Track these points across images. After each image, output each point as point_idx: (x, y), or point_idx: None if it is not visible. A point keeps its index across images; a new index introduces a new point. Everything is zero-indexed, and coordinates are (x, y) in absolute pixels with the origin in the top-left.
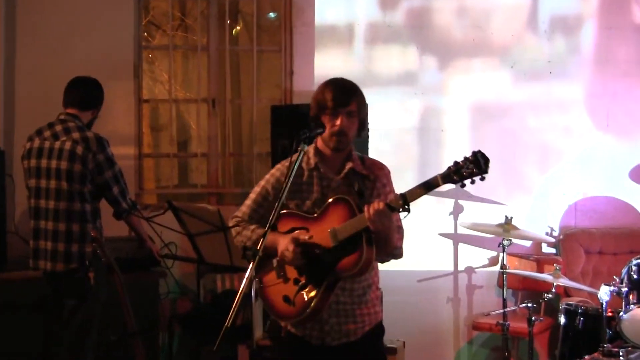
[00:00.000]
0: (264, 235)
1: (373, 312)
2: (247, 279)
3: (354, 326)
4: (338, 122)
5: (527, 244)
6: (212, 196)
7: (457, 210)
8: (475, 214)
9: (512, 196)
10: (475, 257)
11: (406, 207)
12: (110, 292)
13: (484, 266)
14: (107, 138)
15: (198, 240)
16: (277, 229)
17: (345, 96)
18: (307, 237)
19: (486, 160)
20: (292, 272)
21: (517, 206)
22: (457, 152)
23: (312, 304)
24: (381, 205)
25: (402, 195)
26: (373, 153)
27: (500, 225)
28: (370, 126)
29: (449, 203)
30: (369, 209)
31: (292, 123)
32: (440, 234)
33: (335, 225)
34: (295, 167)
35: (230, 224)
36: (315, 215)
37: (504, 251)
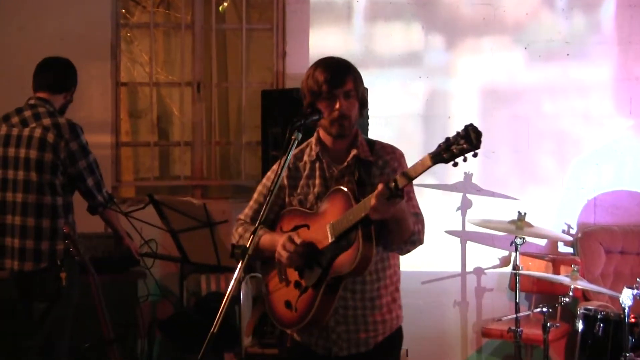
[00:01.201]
0: (253, 232)
1: (389, 319)
2: (235, 280)
3: (365, 335)
4: (337, 105)
5: (542, 242)
6: (196, 189)
7: (465, 206)
8: (485, 209)
9: (525, 190)
10: (485, 256)
11: (399, 192)
12: (84, 294)
13: (494, 267)
14: (81, 125)
15: (181, 238)
16: (280, 229)
17: (339, 75)
18: (304, 234)
19: (478, 134)
20: (292, 275)
21: (531, 201)
22: None
23: (313, 310)
24: (380, 187)
25: (395, 181)
26: None
27: (512, 221)
28: (370, 112)
29: (457, 197)
30: (372, 197)
31: (284, 109)
32: (447, 232)
33: (334, 219)
34: (288, 158)
35: (235, 227)
36: (316, 210)
37: (516, 250)
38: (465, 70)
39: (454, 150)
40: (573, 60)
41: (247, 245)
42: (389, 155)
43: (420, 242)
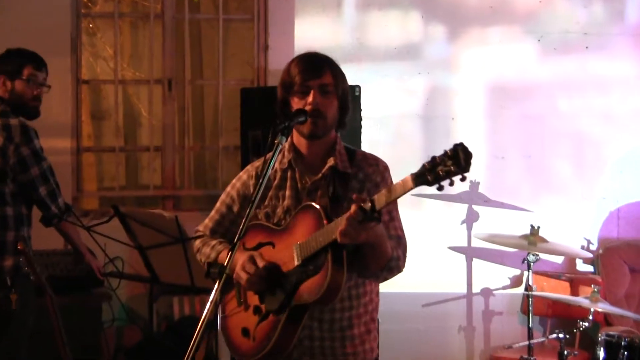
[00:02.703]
0: (232, 249)
1: (361, 351)
2: (211, 302)
3: None
4: (310, 99)
5: (558, 260)
6: (167, 200)
7: (471, 218)
8: (494, 222)
9: (539, 200)
10: (493, 276)
11: (375, 215)
12: (40, 318)
13: (504, 287)
14: (36, 127)
15: (151, 255)
16: (243, 245)
17: (315, 66)
18: (268, 254)
19: (468, 155)
20: (252, 299)
21: (545, 213)
22: (471, 144)
23: (273, 340)
24: (353, 209)
25: (371, 201)
26: (366, 146)
27: (524, 236)
28: (362, 113)
29: (461, 209)
30: (343, 219)
31: (266, 109)
32: (450, 248)
33: (302, 239)
34: (271, 165)
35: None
36: (282, 227)
37: (529, 269)
38: (470, 65)
39: (440, 172)
40: (592, 53)
41: (225, 264)
42: (371, 167)
43: (399, 269)
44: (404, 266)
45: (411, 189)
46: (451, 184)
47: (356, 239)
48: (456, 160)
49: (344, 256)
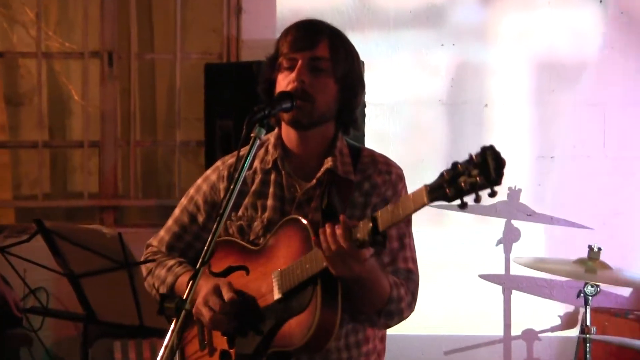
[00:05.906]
0: (193, 277)
1: None
2: (165, 347)
3: None
4: (293, 74)
5: (625, 292)
6: (107, 212)
7: (510, 238)
8: (540, 243)
9: (600, 215)
10: (539, 313)
11: (379, 238)
12: None
13: (553, 329)
14: None
15: (85, 285)
16: (209, 267)
17: (308, 34)
18: (240, 282)
19: (499, 162)
20: (219, 341)
21: (608, 231)
22: (508, 138)
23: None
24: (339, 236)
25: (373, 219)
26: (370, 140)
27: (580, 261)
28: (367, 97)
29: (498, 225)
30: (322, 241)
31: (239, 92)
32: (482, 276)
33: (284, 264)
34: (246, 165)
35: (143, 257)
36: (259, 247)
37: (586, 305)
38: (510, 35)
39: (462, 184)
40: None
41: (185, 297)
42: (380, 175)
43: (402, 314)
44: (412, 310)
45: (424, 205)
46: (477, 200)
47: (351, 270)
48: (484, 169)
49: (339, 289)
